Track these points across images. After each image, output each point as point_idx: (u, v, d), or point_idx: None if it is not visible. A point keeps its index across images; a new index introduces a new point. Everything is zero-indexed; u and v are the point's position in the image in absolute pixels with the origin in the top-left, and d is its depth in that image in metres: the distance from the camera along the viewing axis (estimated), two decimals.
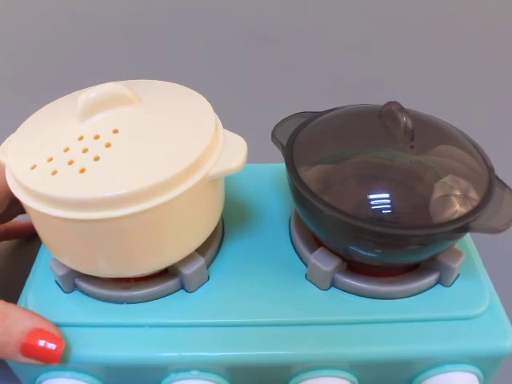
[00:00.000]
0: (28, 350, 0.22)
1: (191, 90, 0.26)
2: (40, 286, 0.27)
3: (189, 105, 0.25)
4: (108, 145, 0.22)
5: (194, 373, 0.24)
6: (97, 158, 0.21)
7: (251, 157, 0.25)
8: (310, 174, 0.25)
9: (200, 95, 0.26)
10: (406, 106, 0.26)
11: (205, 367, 0.24)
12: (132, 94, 0.23)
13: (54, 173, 0.21)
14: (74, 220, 0.21)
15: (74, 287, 0.27)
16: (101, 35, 0.66)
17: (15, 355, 0.22)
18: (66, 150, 0.22)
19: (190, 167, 0.22)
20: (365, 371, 0.25)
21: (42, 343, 0.22)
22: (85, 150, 0.22)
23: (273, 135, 0.29)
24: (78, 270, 0.25)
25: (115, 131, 0.22)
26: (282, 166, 0.27)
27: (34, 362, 0.22)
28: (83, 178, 0.21)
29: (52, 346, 0.22)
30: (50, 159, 0.22)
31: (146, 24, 0.70)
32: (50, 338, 0.22)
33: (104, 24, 0.69)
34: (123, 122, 0.23)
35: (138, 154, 0.22)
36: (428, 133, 0.26)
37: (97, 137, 0.22)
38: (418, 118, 0.26)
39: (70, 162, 0.21)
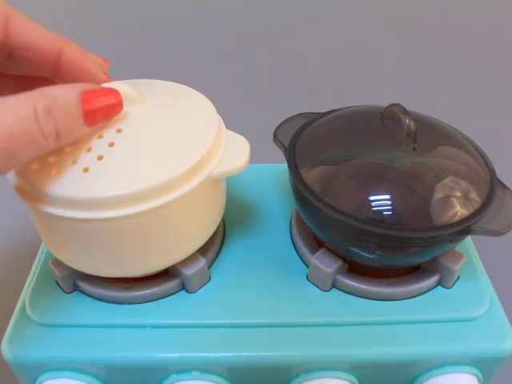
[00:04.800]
0: (92, 115, 0.20)
1: (194, 90, 0.26)
2: (40, 285, 0.27)
3: (192, 105, 0.25)
4: (111, 144, 0.22)
5: (195, 373, 0.24)
6: (100, 158, 0.21)
7: (253, 157, 0.25)
8: (311, 175, 0.25)
9: (203, 95, 0.26)
10: (407, 107, 0.26)
11: (206, 368, 0.24)
12: (136, 93, 0.23)
13: (57, 172, 0.21)
14: (76, 219, 0.21)
15: (75, 287, 0.27)
16: (102, 35, 0.65)
17: (83, 130, 0.20)
18: (69, 149, 0.22)
19: (193, 168, 0.22)
20: (365, 372, 0.25)
21: (100, 102, 0.21)
22: (88, 150, 0.22)
23: (275, 136, 0.29)
24: (79, 270, 0.25)
25: (118, 131, 0.22)
26: (284, 166, 0.27)
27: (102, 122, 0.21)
28: (87, 178, 0.21)
29: (110, 99, 0.21)
30: (53, 158, 0.22)
31: (148, 24, 0.70)
32: (103, 92, 0.21)
33: (105, 23, 0.69)
34: (127, 122, 0.23)
35: (141, 153, 0.22)
36: (430, 135, 0.26)
37: (100, 136, 0.22)
38: (420, 120, 0.26)
39: (74, 161, 0.21)
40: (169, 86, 0.26)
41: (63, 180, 0.21)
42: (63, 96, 0.19)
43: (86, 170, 0.21)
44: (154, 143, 0.22)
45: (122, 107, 0.22)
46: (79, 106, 0.20)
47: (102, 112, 0.21)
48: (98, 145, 0.22)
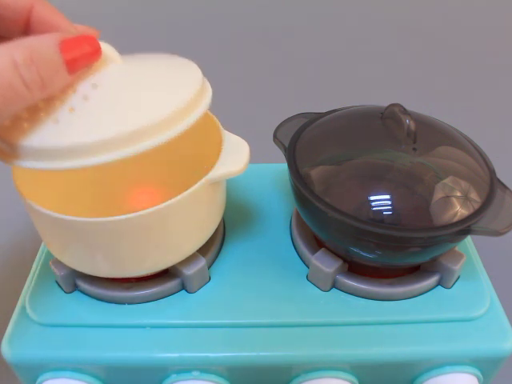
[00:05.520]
0: (72, 63, 0.20)
1: (183, 57, 0.25)
2: (40, 286, 0.27)
3: (175, 66, 0.24)
4: (85, 98, 0.21)
5: (195, 373, 0.24)
6: (71, 110, 0.21)
7: (253, 157, 0.25)
8: (311, 175, 0.25)
9: (191, 61, 0.25)
10: (407, 107, 0.26)
11: (205, 368, 0.24)
12: (114, 52, 0.23)
13: (28, 123, 0.21)
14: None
15: (75, 287, 0.27)
16: (102, 35, 0.65)
17: (66, 78, 0.21)
18: (41, 102, 0.21)
19: (168, 118, 0.21)
20: (365, 372, 0.25)
21: (79, 50, 0.21)
22: (61, 102, 0.21)
23: (275, 136, 0.29)
24: (79, 270, 0.25)
25: (94, 86, 0.22)
26: (284, 166, 0.27)
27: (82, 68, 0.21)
28: (56, 128, 0.20)
29: (88, 46, 0.21)
30: (24, 111, 0.21)
31: (148, 24, 0.70)
32: (81, 40, 0.21)
33: (105, 23, 0.68)
34: (103, 78, 0.22)
35: (114, 107, 0.21)
36: (430, 135, 0.26)
37: (74, 90, 0.22)
38: (420, 120, 0.26)
39: (45, 114, 0.21)
40: (155, 54, 0.26)
41: (33, 131, 0.20)
42: (42, 45, 0.19)
43: (55, 121, 0.21)
44: (129, 98, 0.22)
45: (100, 53, 0.22)
46: (59, 55, 0.20)
47: (81, 60, 0.21)
48: (71, 98, 0.21)
